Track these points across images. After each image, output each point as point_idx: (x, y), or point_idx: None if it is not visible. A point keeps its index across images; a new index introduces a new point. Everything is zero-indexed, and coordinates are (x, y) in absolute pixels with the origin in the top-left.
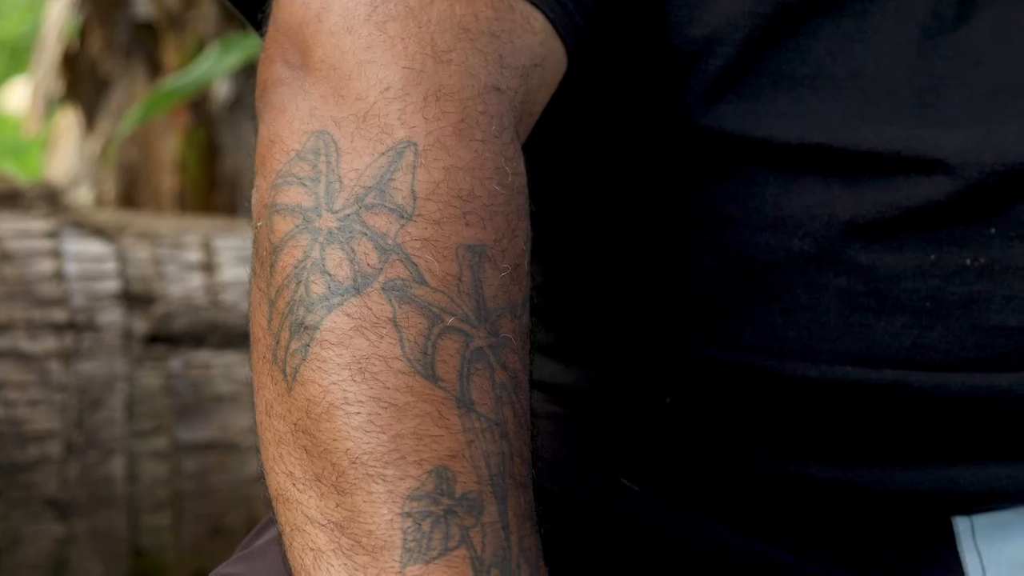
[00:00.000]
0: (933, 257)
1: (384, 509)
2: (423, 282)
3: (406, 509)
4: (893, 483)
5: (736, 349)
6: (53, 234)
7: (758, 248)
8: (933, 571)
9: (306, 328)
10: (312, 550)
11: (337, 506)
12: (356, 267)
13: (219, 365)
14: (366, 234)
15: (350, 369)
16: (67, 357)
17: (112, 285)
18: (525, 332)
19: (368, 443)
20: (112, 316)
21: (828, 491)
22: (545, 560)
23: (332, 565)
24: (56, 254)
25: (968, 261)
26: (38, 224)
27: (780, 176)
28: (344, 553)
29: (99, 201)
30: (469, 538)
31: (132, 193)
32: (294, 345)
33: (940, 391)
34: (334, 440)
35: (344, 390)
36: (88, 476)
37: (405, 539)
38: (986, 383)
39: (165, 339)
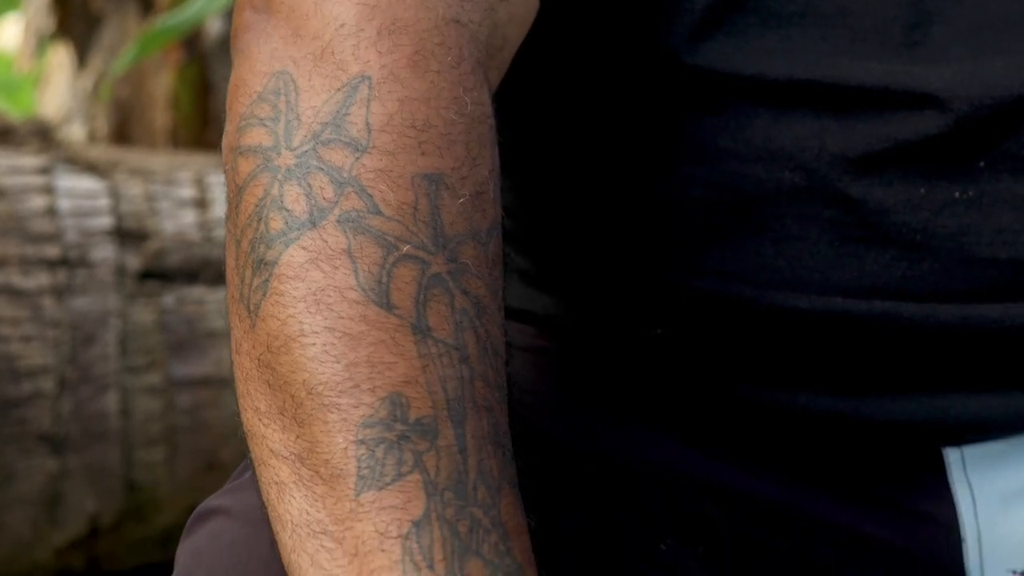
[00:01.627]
0: (923, 191)
1: (339, 438)
2: (378, 212)
3: (360, 437)
4: (883, 413)
5: (725, 280)
6: (45, 170)
7: (748, 180)
8: (923, 502)
9: (265, 264)
10: (276, 483)
11: (297, 438)
12: (312, 202)
13: (213, 301)
14: (322, 169)
15: (305, 301)
16: (60, 293)
17: (105, 221)
18: (492, 258)
19: (323, 373)
20: (105, 252)
21: (817, 422)
22: (521, 486)
23: (294, 497)
24: (48, 190)
25: (957, 194)
26: (30, 160)
27: (770, 110)
28: (304, 484)
29: (91, 138)
30: (423, 462)
31: (125, 130)
32: (255, 282)
33: (930, 321)
34: (292, 372)
35: (300, 322)
36: (81, 411)
37: (359, 467)
38: (976, 314)
39: (158, 275)
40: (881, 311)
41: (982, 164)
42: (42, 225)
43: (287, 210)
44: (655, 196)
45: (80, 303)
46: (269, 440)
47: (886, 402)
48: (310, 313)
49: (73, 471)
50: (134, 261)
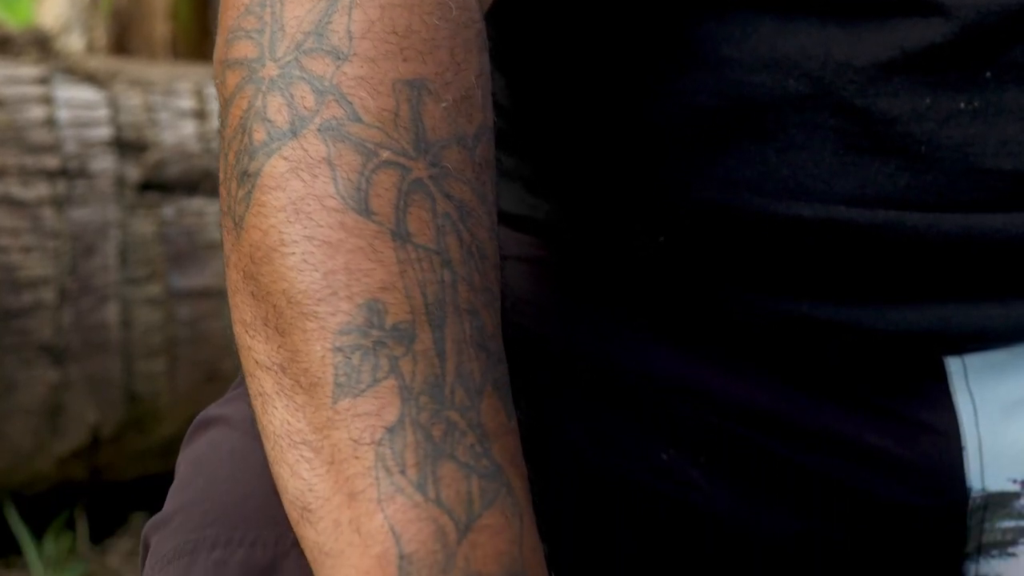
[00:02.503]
0: (928, 100)
1: (317, 346)
2: (358, 119)
3: (337, 344)
4: (885, 322)
5: (729, 189)
6: (44, 80)
7: (752, 88)
8: (924, 411)
9: (248, 175)
10: (261, 395)
11: (279, 348)
12: (294, 111)
13: (212, 213)
14: (304, 78)
15: (285, 211)
16: (60, 204)
17: (104, 132)
18: (480, 162)
19: (302, 282)
20: (104, 163)
21: (819, 330)
22: (522, 393)
23: (276, 408)
24: (47, 100)
25: (963, 105)
26: (29, 70)
27: (774, 18)
28: (285, 394)
29: (90, 48)
30: (398, 368)
31: (123, 40)
32: (239, 193)
33: (934, 231)
34: (273, 282)
35: (280, 232)
36: (82, 322)
37: (336, 374)
38: (979, 223)
39: (158, 186)
40: (884, 220)
41: (988, 75)
42: (41, 136)
43: (270, 121)
44: (658, 104)
45: (80, 214)
46: (254, 351)
47: (888, 311)
48: (290, 223)
49: (74, 382)
50: (134, 172)
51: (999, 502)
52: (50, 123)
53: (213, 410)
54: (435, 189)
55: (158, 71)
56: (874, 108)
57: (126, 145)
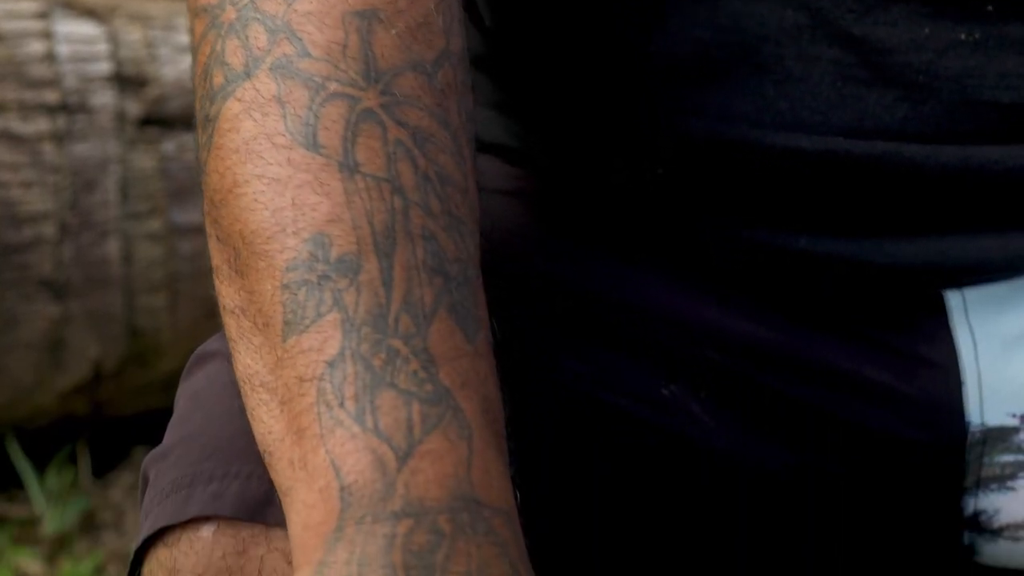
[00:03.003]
0: (927, 31)
1: (267, 285)
2: (307, 55)
3: (284, 281)
4: (883, 255)
5: (726, 121)
6: (43, 15)
7: (750, 19)
8: (924, 346)
9: (209, 120)
10: (230, 339)
11: (239, 290)
12: (247, 52)
13: None
14: (258, 18)
15: (239, 152)
16: (60, 139)
17: (104, 67)
18: (442, 87)
19: (253, 222)
20: (104, 98)
21: (818, 264)
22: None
23: (239, 352)
24: (47, 35)
25: (963, 36)
26: (28, 5)
27: None
28: (245, 337)
29: None
30: (342, 300)
31: None
32: (203, 139)
33: (932, 162)
34: (230, 224)
35: (235, 173)
36: (83, 257)
37: (284, 312)
38: (977, 155)
39: (158, 122)
40: (883, 152)
41: (990, 8)
42: (41, 70)
43: (227, 64)
44: (654, 37)
45: (80, 149)
46: (223, 296)
47: (886, 244)
48: (242, 163)
49: (75, 317)
50: (134, 107)
51: (998, 436)
52: (50, 58)
53: (211, 344)
54: (386, 117)
55: (158, 6)
56: (872, 37)
57: (126, 80)
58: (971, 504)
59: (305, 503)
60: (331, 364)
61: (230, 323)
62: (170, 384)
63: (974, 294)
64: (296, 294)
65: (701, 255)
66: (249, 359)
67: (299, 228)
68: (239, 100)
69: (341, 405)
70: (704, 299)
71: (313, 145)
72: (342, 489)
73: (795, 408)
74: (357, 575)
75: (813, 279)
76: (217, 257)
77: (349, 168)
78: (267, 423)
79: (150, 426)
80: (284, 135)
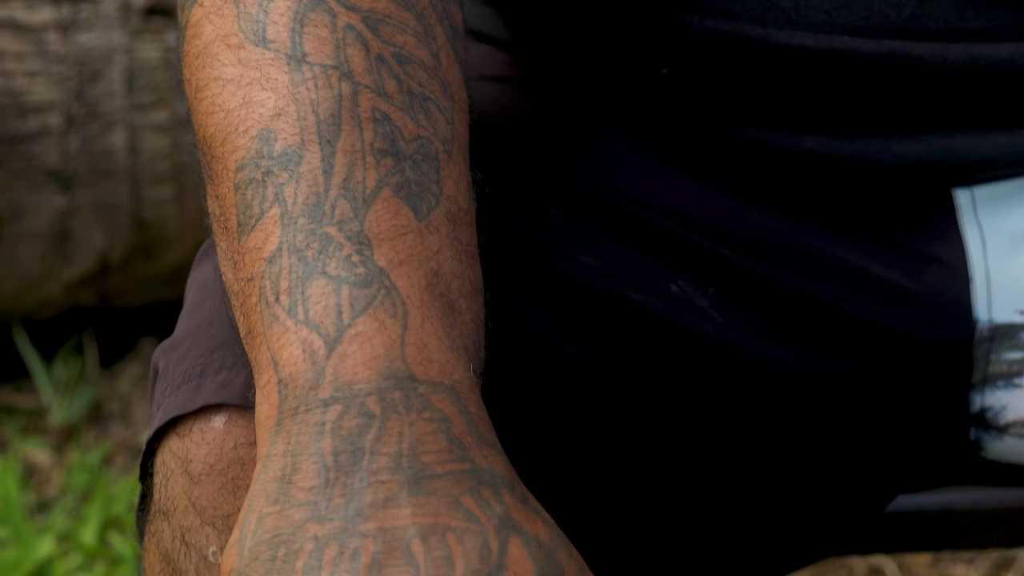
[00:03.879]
0: None
1: (224, 188)
2: None
3: (236, 182)
4: (891, 154)
5: (731, 19)
6: None
7: None
8: (933, 243)
9: (180, 28)
10: (216, 249)
11: (211, 197)
12: None
13: None
14: None
15: (199, 57)
16: (65, 28)
17: None
18: None
19: (211, 125)
20: None
21: (825, 165)
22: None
23: (219, 260)
24: None
25: None
26: None
27: None
28: (218, 243)
29: None
30: (282, 194)
31: None
32: (179, 47)
33: (939, 59)
34: (197, 129)
35: (197, 78)
36: (89, 148)
37: (237, 213)
38: (985, 53)
39: (164, 12)
40: (890, 50)
41: None
42: None
43: None
44: None
45: (85, 39)
46: (207, 203)
47: (894, 143)
48: (202, 67)
49: (81, 208)
50: None
51: (1005, 333)
52: None
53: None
54: (335, 4)
55: None
56: None
57: None
58: (977, 401)
59: (258, 400)
60: (270, 261)
61: (213, 231)
62: (176, 276)
63: (983, 192)
64: (245, 194)
65: (708, 153)
66: (222, 265)
67: (248, 127)
68: (201, 6)
69: (277, 300)
70: (713, 195)
71: (262, 41)
72: (280, 383)
73: (803, 305)
74: (292, 466)
75: (820, 179)
76: (201, 166)
77: (297, 59)
78: (238, 327)
79: (157, 318)
80: (237, 35)
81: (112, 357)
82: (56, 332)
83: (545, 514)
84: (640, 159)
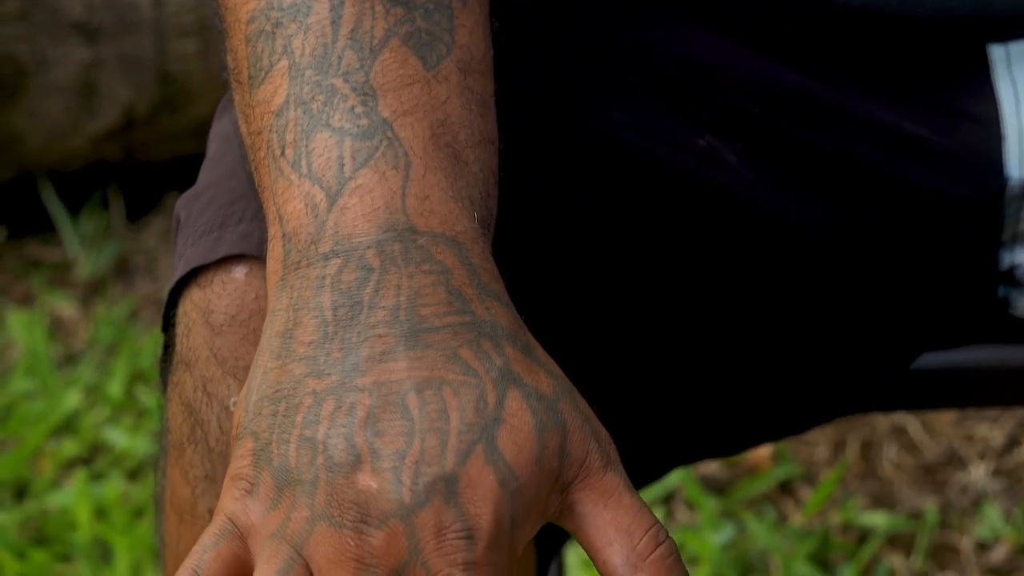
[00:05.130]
0: None
1: (236, 40)
2: None
3: (247, 34)
4: (925, 8)
5: None
6: None
7: None
8: (966, 100)
9: None
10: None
11: (226, 52)
12: None
13: None
14: None
15: None
16: None
17: None
18: None
19: None
20: None
21: (859, 19)
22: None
23: (235, 115)
24: None
25: None
26: None
27: None
28: (233, 99)
29: None
30: (290, 46)
31: None
32: None
33: None
34: None
35: None
36: (113, 1)
37: (248, 67)
38: None
39: None
40: None
41: None
42: None
43: None
44: None
45: None
46: (224, 57)
47: None
48: None
49: (106, 61)
50: None
51: None
52: None
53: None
54: None
55: None
56: None
57: None
58: (1007, 258)
59: (267, 255)
60: (277, 114)
61: (231, 84)
62: (202, 130)
63: (1018, 48)
64: (255, 46)
65: (739, 9)
66: (239, 119)
67: None
68: None
69: (282, 154)
70: (743, 51)
71: None
72: (284, 237)
73: (833, 161)
74: (293, 320)
75: (853, 34)
76: (217, 18)
77: None
78: (255, 184)
79: (182, 171)
80: None
81: (138, 211)
82: (82, 187)
83: (552, 365)
84: (671, 16)
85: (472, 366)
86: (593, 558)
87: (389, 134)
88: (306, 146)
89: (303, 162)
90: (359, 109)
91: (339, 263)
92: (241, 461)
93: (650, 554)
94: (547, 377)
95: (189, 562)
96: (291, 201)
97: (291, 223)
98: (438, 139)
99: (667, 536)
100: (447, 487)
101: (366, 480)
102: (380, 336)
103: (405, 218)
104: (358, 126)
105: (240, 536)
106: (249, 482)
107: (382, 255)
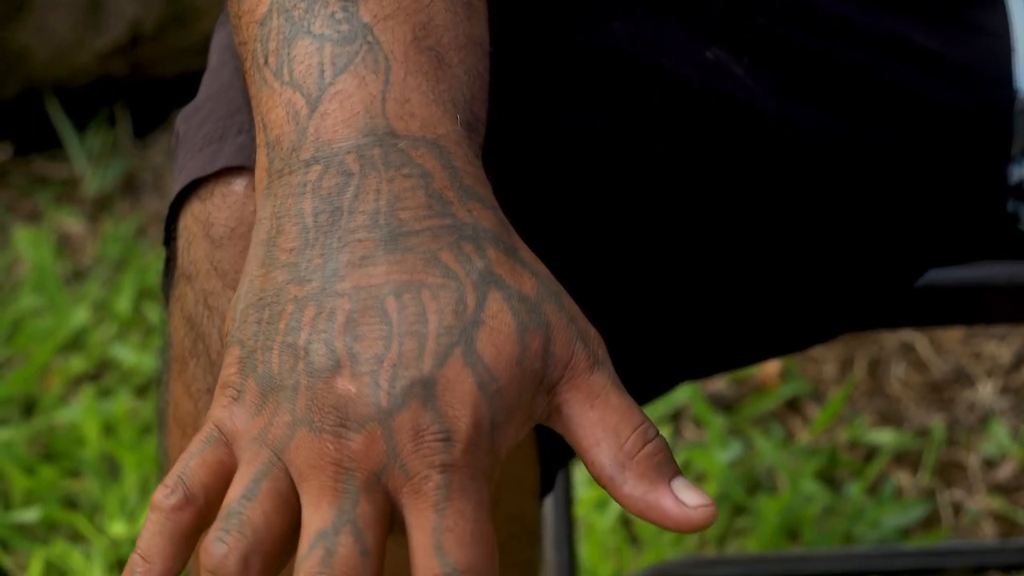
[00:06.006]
0: None
1: None
2: None
3: None
4: None
5: None
6: None
7: None
8: (976, 12)
9: None
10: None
11: None
12: None
13: None
14: None
15: None
16: None
17: None
18: None
19: None
20: None
21: None
22: None
23: (231, 28)
24: None
25: None
26: None
27: None
28: (228, 16)
29: None
30: None
31: None
32: None
33: None
34: None
35: None
36: None
37: None
38: None
39: None
40: None
41: None
42: None
43: None
44: None
45: None
46: None
47: None
48: None
49: None
50: None
51: None
52: None
53: None
54: None
55: None
56: None
57: None
58: (1016, 173)
59: (256, 165)
60: (261, 23)
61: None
62: (208, 46)
63: None
64: None
65: None
66: (232, 33)
67: None
68: None
69: (266, 63)
70: None
71: None
72: (268, 145)
73: (842, 72)
74: (276, 228)
75: None
76: None
77: None
78: (247, 94)
79: (189, 88)
80: None
81: (145, 128)
82: (88, 103)
83: (538, 266)
84: None
85: (452, 269)
86: (582, 459)
87: (369, 38)
88: (288, 53)
89: (285, 70)
90: (340, 15)
91: (320, 169)
92: (228, 369)
93: (638, 452)
94: (531, 278)
95: (176, 469)
96: (274, 109)
97: (274, 131)
98: (420, 42)
99: (656, 434)
100: (425, 390)
101: (345, 384)
102: (360, 241)
103: (385, 122)
104: (338, 31)
105: (226, 443)
106: (236, 389)
107: (362, 160)
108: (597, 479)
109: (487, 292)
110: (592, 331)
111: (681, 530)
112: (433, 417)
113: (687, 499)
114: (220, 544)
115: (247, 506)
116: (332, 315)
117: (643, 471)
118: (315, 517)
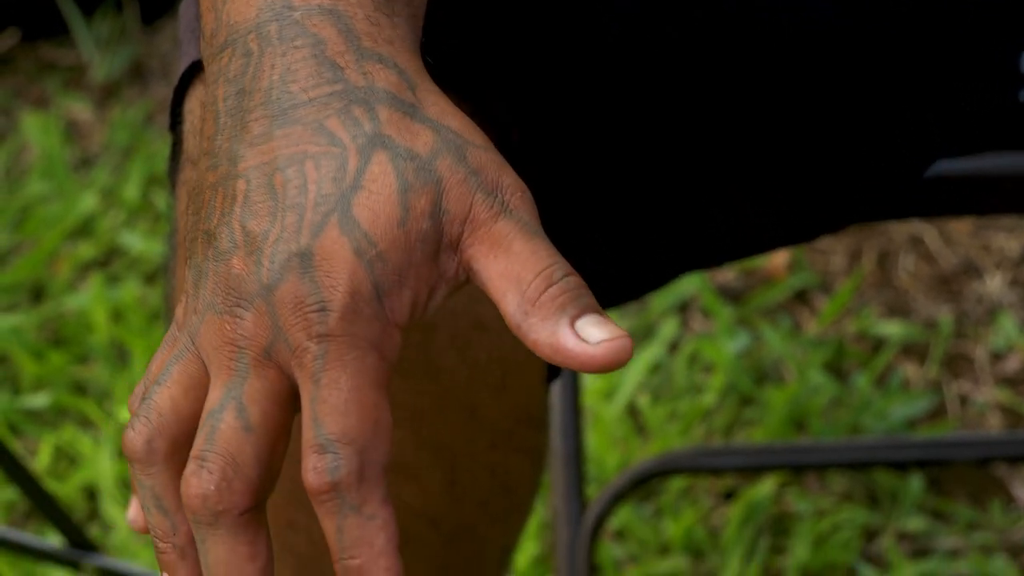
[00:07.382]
0: None
1: None
2: None
3: None
4: None
5: None
6: None
7: None
8: None
9: None
10: None
11: None
12: None
13: None
14: None
15: None
16: None
17: None
18: None
19: None
20: None
21: None
22: None
23: None
24: None
25: None
26: None
27: None
28: None
29: None
30: None
31: None
32: None
33: None
34: None
35: None
36: None
37: None
38: None
39: None
40: None
41: None
42: None
43: None
44: None
45: None
46: None
47: None
48: None
49: None
50: None
51: None
52: None
53: None
54: None
55: None
56: None
57: None
58: None
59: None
60: None
61: None
62: None
63: None
64: None
65: None
66: None
67: None
68: None
69: None
70: None
71: None
72: (202, 37)
73: None
74: (201, 118)
75: None
76: None
77: None
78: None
79: None
80: None
81: (152, 15)
82: None
83: (447, 119)
84: None
85: (338, 135)
86: (500, 313)
87: None
88: None
89: None
90: None
91: (229, 53)
92: (182, 270)
93: (539, 296)
94: (428, 133)
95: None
96: (206, 3)
97: (206, 27)
98: None
99: (565, 274)
100: (302, 262)
101: (239, 264)
102: (256, 120)
103: None
104: None
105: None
106: (186, 286)
107: (260, 38)
108: (514, 332)
109: (372, 155)
110: (506, 180)
111: (588, 370)
112: (310, 288)
113: (589, 335)
114: (128, 430)
115: (156, 391)
116: (234, 197)
117: (546, 314)
118: (211, 397)
